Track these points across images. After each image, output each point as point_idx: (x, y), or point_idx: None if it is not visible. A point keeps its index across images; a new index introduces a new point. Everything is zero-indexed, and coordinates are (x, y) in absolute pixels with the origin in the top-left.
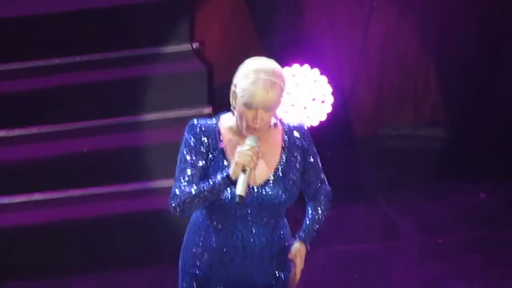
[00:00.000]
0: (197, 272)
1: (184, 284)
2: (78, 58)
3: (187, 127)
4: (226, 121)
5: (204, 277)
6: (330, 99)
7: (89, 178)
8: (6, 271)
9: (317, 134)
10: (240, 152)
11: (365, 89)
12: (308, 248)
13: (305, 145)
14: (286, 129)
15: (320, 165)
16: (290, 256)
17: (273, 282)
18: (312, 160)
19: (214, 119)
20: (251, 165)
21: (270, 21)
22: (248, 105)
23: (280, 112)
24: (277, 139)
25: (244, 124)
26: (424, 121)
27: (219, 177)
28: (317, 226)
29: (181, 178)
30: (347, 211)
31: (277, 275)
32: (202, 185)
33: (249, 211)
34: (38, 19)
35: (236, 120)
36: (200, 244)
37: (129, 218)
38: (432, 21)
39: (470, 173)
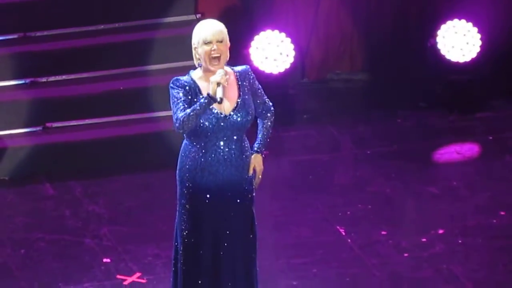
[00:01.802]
0: (191, 184)
1: (181, 192)
2: (116, 25)
3: (171, 82)
4: (196, 74)
5: (196, 186)
6: (292, 53)
7: (123, 108)
8: (68, 173)
9: (283, 78)
10: (213, 76)
11: (316, 46)
12: (263, 155)
13: (251, 81)
14: (237, 73)
15: (263, 91)
16: (251, 165)
17: (244, 180)
18: (258, 89)
19: (186, 75)
20: (223, 80)
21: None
22: (204, 40)
23: (258, 62)
24: (233, 81)
25: (208, 59)
26: (357, 69)
27: (202, 98)
28: (267, 136)
29: (177, 109)
30: (303, 131)
31: (246, 175)
32: (193, 107)
33: (226, 133)
34: None
35: (203, 65)
36: (192, 162)
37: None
38: (360, 2)
39: (389, 105)
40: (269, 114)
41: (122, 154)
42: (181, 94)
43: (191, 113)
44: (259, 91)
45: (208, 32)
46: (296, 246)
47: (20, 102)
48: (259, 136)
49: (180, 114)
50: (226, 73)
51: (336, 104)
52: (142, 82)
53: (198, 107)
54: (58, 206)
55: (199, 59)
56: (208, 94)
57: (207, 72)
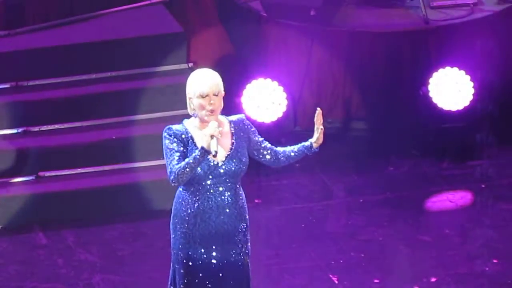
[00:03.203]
0: (184, 230)
1: (176, 238)
2: (109, 74)
3: (164, 131)
4: (190, 123)
5: (189, 233)
6: (285, 102)
7: (115, 157)
8: (61, 222)
9: (275, 126)
10: (206, 129)
11: (309, 95)
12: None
13: (248, 130)
14: (231, 121)
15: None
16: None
17: (238, 230)
18: (258, 137)
19: (180, 124)
20: (216, 132)
21: (244, 49)
22: (201, 94)
23: (250, 111)
24: (227, 129)
25: (204, 112)
26: (350, 117)
27: (197, 151)
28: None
29: (171, 160)
30: (295, 180)
31: (240, 225)
32: (187, 160)
33: (219, 180)
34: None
35: (198, 115)
36: (185, 209)
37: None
38: (356, 51)
39: (382, 153)
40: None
41: (115, 202)
42: (175, 145)
43: (186, 167)
44: (259, 138)
45: (205, 85)
46: None
47: (12, 151)
48: (295, 147)
49: (175, 167)
50: (219, 125)
51: (328, 152)
52: (135, 131)
53: (192, 161)
54: (51, 254)
55: (193, 109)
56: (202, 147)
57: (202, 122)
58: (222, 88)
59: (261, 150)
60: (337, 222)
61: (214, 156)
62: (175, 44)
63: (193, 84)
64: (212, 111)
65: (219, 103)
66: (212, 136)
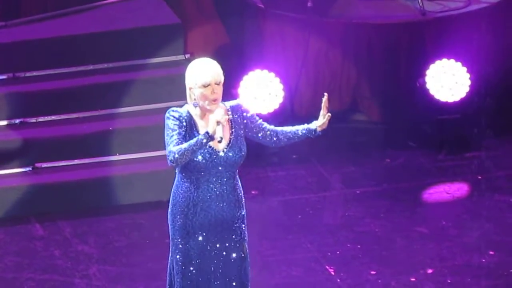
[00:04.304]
0: (183, 220)
1: (175, 228)
2: (106, 65)
3: (168, 111)
4: (192, 110)
5: (189, 223)
6: (281, 93)
7: (112, 148)
8: (57, 213)
9: (272, 117)
10: (214, 115)
11: (305, 86)
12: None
13: (244, 115)
14: (228, 109)
15: (262, 121)
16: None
17: (236, 218)
18: (256, 120)
19: (184, 108)
20: (223, 119)
21: (241, 40)
22: (204, 84)
23: (245, 101)
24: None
25: (207, 101)
26: (347, 108)
27: (201, 135)
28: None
29: (172, 141)
30: (292, 171)
31: (238, 212)
32: (189, 142)
33: (219, 169)
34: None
35: (199, 105)
36: (184, 198)
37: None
38: (353, 42)
39: (379, 144)
40: (281, 136)
41: (111, 194)
42: (176, 127)
43: (187, 149)
44: (257, 119)
45: (207, 75)
46: (286, 286)
47: (9, 143)
48: (297, 127)
49: (175, 148)
50: (225, 112)
51: (325, 143)
52: (131, 122)
53: (195, 144)
54: (48, 246)
55: (195, 99)
56: (207, 132)
57: (204, 110)
58: (223, 77)
59: (261, 132)
60: (334, 214)
61: (219, 141)
62: (172, 35)
63: (194, 74)
64: (215, 100)
65: (221, 92)
66: (218, 123)
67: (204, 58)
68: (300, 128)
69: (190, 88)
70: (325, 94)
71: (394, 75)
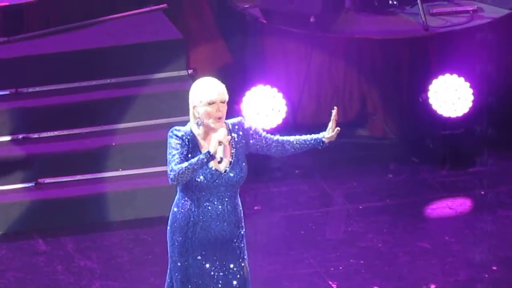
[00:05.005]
0: (182, 238)
1: (174, 246)
2: (108, 80)
3: (170, 130)
4: (195, 129)
5: (188, 241)
6: (284, 109)
7: (115, 163)
8: (60, 229)
9: (275, 132)
10: (216, 134)
11: (308, 101)
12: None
13: (247, 132)
14: (230, 128)
15: (265, 133)
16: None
17: (236, 237)
18: (260, 134)
19: (187, 126)
20: (225, 139)
21: (243, 56)
22: (210, 101)
23: (248, 116)
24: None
25: (211, 119)
26: (349, 124)
27: (202, 155)
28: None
29: (173, 160)
30: (295, 186)
31: (238, 232)
32: (190, 161)
33: (221, 189)
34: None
35: (203, 123)
36: (184, 217)
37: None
38: (355, 58)
39: (381, 160)
40: (287, 145)
41: (114, 209)
42: (178, 146)
43: (188, 167)
44: (261, 134)
45: (213, 92)
46: None
47: (12, 158)
48: (305, 136)
49: (176, 167)
50: (227, 132)
51: (328, 159)
52: (134, 138)
53: (195, 163)
54: (50, 261)
55: (198, 118)
56: (208, 152)
57: (208, 129)
58: (227, 96)
59: (267, 144)
60: (337, 229)
61: (219, 162)
62: (175, 51)
63: (199, 92)
64: (219, 118)
65: (225, 111)
66: (220, 143)
67: (208, 77)
68: (308, 138)
69: (194, 107)
70: (335, 107)
71: (397, 91)
